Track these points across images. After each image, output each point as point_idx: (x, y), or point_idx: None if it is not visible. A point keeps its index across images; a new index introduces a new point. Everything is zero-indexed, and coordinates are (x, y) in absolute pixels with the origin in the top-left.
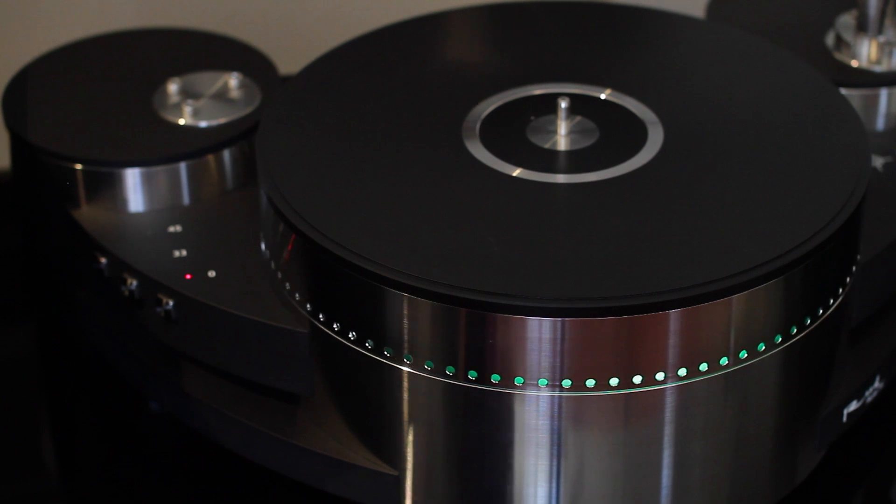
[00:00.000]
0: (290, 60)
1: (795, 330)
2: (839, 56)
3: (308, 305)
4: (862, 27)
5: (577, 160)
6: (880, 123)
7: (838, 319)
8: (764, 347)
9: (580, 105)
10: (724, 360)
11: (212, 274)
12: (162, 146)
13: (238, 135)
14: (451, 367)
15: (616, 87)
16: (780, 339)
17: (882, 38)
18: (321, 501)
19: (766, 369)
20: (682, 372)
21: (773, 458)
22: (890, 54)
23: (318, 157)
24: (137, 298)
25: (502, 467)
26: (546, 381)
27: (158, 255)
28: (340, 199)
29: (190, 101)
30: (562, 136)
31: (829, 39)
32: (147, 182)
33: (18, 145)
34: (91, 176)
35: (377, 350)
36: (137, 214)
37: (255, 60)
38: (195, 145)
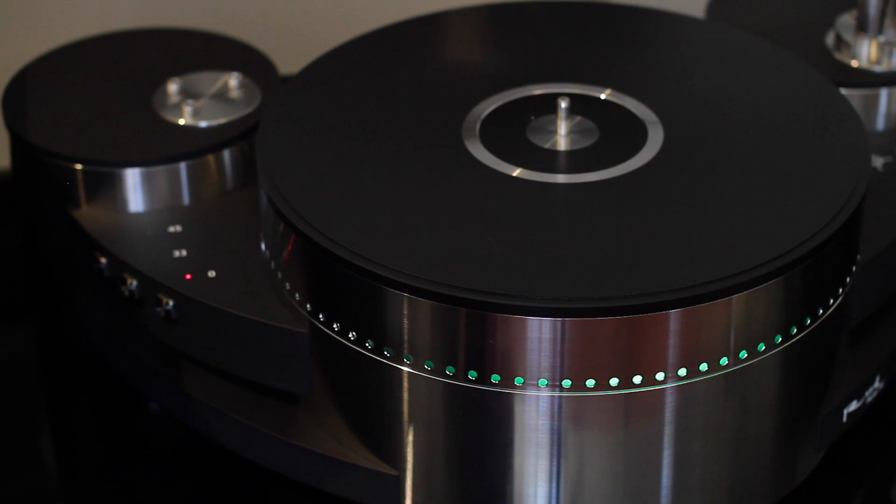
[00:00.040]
0: (290, 60)
1: (795, 330)
2: (839, 56)
3: (308, 305)
4: (862, 27)
5: (577, 160)
6: (880, 123)
7: (838, 319)
8: (764, 347)
9: (580, 105)
10: (724, 360)
11: (212, 274)
12: (162, 146)
13: (238, 135)
14: (451, 367)
15: (616, 87)
16: (780, 339)
17: (882, 38)
18: (321, 501)
19: (766, 369)
20: (682, 372)
21: (773, 458)
22: (890, 54)
23: (317, 157)
24: (137, 298)
25: (502, 467)
26: (546, 381)
27: (158, 255)
28: (340, 199)
29: (190, 101)
30: (562, 136)
31: (829, 39)
32: (147, 182)
33: (18, 145)
34: (91, 176)
35: (377, 350)
36: (137, 214)
37: (255, 60)
38: (195, 145)
